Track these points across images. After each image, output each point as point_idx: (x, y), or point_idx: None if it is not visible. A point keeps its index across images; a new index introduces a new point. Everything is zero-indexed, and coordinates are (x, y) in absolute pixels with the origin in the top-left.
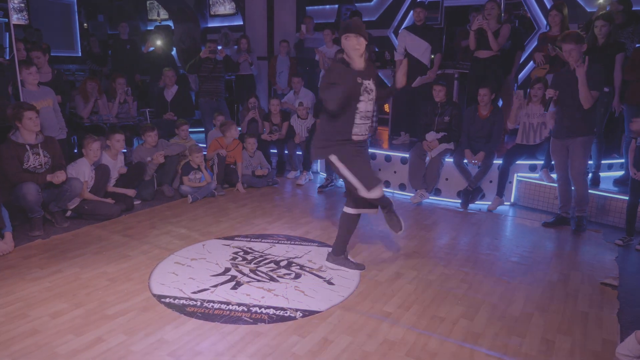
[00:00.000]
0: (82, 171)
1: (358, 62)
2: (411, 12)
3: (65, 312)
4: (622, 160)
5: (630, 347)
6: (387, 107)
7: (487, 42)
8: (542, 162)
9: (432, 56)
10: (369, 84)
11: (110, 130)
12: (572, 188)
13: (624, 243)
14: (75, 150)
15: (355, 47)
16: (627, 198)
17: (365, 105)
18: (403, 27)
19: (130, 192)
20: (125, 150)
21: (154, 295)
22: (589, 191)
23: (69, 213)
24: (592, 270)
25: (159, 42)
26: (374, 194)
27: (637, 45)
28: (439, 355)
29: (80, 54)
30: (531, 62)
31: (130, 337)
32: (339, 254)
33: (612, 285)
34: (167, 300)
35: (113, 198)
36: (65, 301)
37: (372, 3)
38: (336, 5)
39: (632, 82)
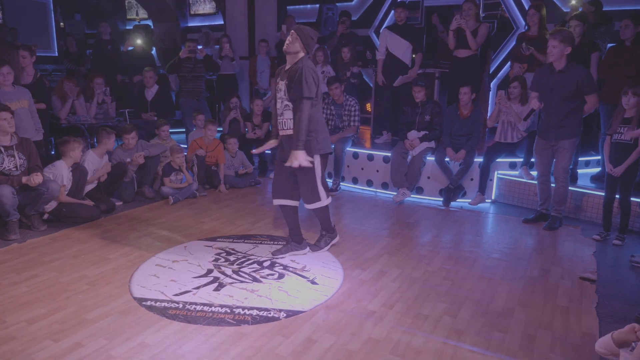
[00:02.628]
0: (60, 174)
1: (287, 60)
2: (392, 11)
3: (43, 317)
4: (599, 157)
5: (607, 346)
6: (369, 107)
7: (466, 41)
8: (521, 159)
9: (413, 55)
10: (281, 84)
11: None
12: (553, 186)
13: (601, 238)
14: (53, 152)
15: (285, 43)
16: (603, 194)
17: (275, 102)
18: (384, 26)
19: (88, 203)
20: None
21: (135, 298)
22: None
23: (46, 216)
24: (571, 265)
25: (138, 41)
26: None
27: (609, 44)
28: (423, 352)
29: (56, 54)
30: (508, 64)
31: (110, 342)
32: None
33: (590, 280)
34: (148, 303)
35: (92, 199)
36: (43, 306)
37: (353, 3)
38: (317, 5)
39: (606, 80)
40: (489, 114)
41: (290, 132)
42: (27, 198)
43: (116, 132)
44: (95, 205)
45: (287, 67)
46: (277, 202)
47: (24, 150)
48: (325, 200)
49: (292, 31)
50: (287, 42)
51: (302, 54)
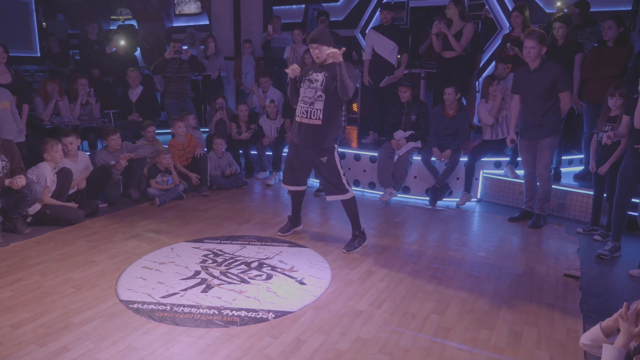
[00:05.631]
0: (43, 176)
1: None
2: (378, 12)
3: (27, 321)
4: (582, 156)
5: (593, 338)
6: (355, 107)
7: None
8: (507, 158)
9: (399, 56)
10: (317, 75)
11: (63, 134)
12: (538, 184)
13: (584, 231)
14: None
15: (315, 57)
16: (586, 192)
17: (304, 91)
18: (370, 27)
19: (72, 205)
20: (89, 153)
21: (122, 301)
22: (551, 186)
23: (29, 219)
24: (555, 263)
25: (122, 42)
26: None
27: (595, 45)
28: (412, 351)
29: (39, 54)
30: (493, 63)
31: (97, 345)
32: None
33: (574, 277)
34: (135, 305)
35: (75, 202)
36: (28, 310)
37: (338, 3)
38: (303, 5)
39: (589, 80)
40: (475, 117)
41: (318, 122)
42: (10, 201)
43: (95, 133)
44: (79, 207)
45: (325, 63)
46: (288, 187)
47: (6, 152)
48: (350, 193)
49: (311, 44)
50: (314, 56)
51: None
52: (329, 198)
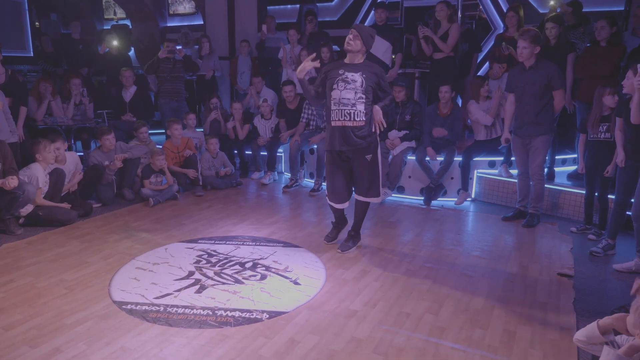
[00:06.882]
0: (35, 176)
1: (348, 56)
2: (372, 12)
3: (19, 323)
4: (575, 156)
5: (589, 335)
6: None
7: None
8: (501, 158)
9: (393, 56)
10: (355, 75)
11: (50, 139)
12: (531, 183)
13: (578, 230)
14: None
15: (347, 41)
16: (579, 191)
17: (340, 92)
18: None
19: (64, 206)
20: (82, 154)
21: (115, 302)
22: (545, 185)
23: (22, 220)
24: (549, 262)
25: (115, 43)
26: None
27: (588, 44)
28: (406, 350)
29: (32, 54)
30: (487, 63)
31: (89, 347)
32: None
33: (567, 276)
34: (129, 306)
35: (68, 202)
36: (20, 312)
37: (333, 3)
38: (297, 5)
39: (582, 80)
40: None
41: (362, 122)
42: (2, 201)
43: (89, 133)
44: (72, 207)
45: (355, 62)
46: (340, 206)
47: None
48: (381, 198)
49: (353, 29)
50: (348, 39)
51: (362, 53)
52: (359, 198)
